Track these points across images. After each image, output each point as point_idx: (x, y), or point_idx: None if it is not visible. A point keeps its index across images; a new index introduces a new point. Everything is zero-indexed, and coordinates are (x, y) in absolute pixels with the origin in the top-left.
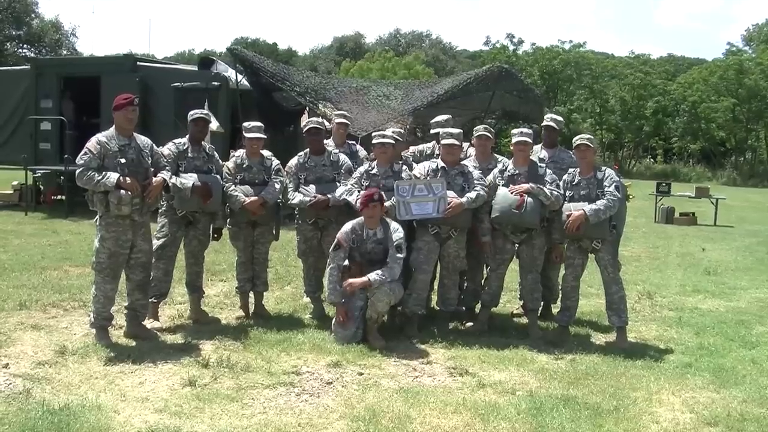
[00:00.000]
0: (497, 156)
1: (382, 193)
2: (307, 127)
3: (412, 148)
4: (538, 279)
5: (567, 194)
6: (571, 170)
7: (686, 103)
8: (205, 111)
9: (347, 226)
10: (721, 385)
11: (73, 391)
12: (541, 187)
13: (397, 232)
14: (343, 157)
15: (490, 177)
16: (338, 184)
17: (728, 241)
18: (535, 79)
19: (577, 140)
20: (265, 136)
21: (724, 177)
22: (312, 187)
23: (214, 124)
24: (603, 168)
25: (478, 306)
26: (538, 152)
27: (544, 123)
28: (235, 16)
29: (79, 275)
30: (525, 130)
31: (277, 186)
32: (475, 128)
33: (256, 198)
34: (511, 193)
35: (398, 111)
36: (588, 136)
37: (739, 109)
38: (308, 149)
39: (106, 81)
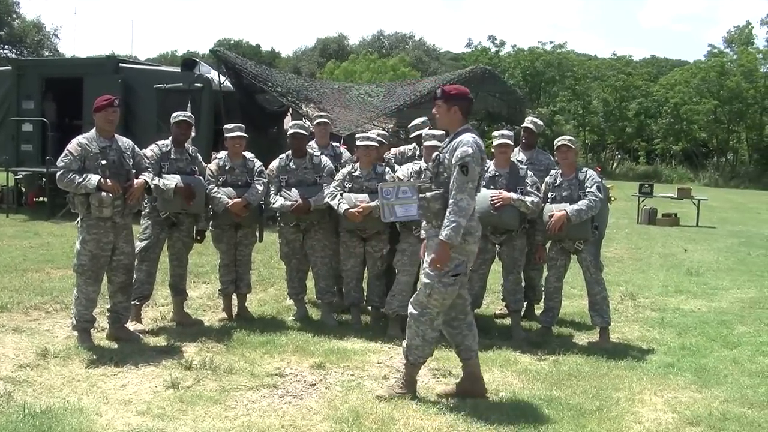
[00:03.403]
0: None
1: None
2: (291, 131)
3: (393, 150)
4: (520, 280)
5: (549, 196)
6: (552, 172)
7: (668, 105)
8: (188, 113)
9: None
10: (702, 384)
11: (55, 393)
12: (523, 198)
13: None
14: (325, 160)
15: None
16: (320, 186)
17: (710, 242)
18: (517, 81)
19: (558, 141)
20: (247, 136)
21: (706, 178)
22: (294, 190)
23: None
24: (584, 169)
25: None
26: (516, 154)
27: (524, 125)
28: (218, 18)
29: (61, 277)
30: (505, 132)
31: (260, 188)
32: None
33: (239, 200)
34: (494, 204)
35: (381, 109)
36: (569, 137)
37: (720, 111)
38: (290, 151)
39: (89, 82)
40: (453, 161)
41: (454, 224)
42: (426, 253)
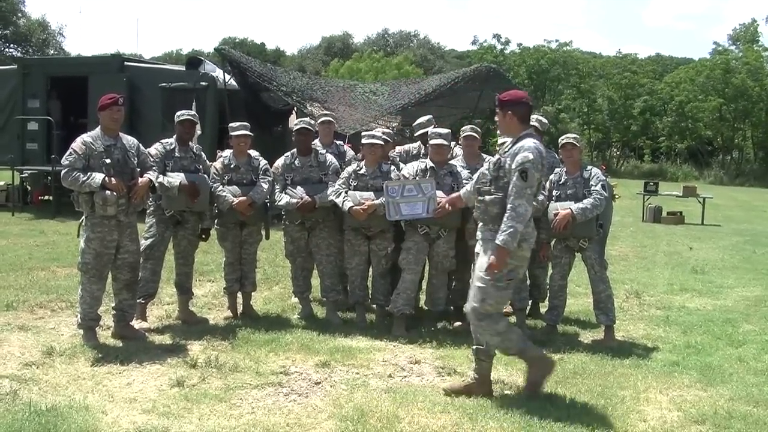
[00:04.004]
0: (485, 156)
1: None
2: (297, 127)
3: (398, 148)
4: (525, 278)
5: (554, 194)
6: (557, 170)
7: (673, 103)
8: (192, 112)
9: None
10: (708, 383)
11: (60, 392)
12: None
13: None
14: (330, 158)
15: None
16: (326, 184)
17: (715, 240)
18: (522, 79)
19: (563, 139)
20: (252, 134)
21: (711, 176)
22: (299, 188)
23: None
24: (589, 167)
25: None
26: None
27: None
28: (222, 16)
29: (66, 276)
30: None
31: (265, 186)
32: (462, 128)
33: (244, 198)
34: None
35: (385, 108)
36: (574, 135)
37: (725, 109)
38: (295, 150)
39: (94, 81)
40: (513, 166)
41: (511, 230)
42: (480, 256)
